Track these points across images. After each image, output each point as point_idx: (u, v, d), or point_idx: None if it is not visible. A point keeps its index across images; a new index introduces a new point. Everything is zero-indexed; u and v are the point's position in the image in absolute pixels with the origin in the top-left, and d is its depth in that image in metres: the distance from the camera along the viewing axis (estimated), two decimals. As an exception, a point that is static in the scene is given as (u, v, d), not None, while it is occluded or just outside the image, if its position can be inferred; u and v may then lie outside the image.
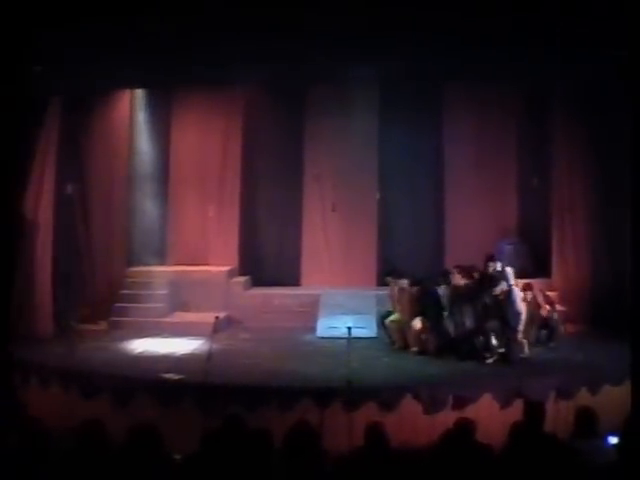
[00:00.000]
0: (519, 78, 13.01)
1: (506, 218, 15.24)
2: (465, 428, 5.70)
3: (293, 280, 15.52)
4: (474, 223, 14.88)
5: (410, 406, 9.68)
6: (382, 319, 12.46)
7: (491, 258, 11.66)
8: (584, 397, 9.83)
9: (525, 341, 11.45)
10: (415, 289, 11.98)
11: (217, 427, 5.71)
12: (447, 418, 8.63)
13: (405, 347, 11.98)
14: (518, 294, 11.32)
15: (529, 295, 12.11)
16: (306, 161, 15.67)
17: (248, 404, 9.29)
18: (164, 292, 14.48)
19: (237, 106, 15.29)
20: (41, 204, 13.25)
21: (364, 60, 11.60)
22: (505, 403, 9.70)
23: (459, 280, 11.52)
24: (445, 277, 11.88)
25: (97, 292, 14.53)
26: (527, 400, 7.29)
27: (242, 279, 15.08)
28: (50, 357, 11.54)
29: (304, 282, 15.58)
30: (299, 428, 5.35)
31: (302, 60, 11.66)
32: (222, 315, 12.73)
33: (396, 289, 12.27)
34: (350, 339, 9.79)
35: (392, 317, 12.25)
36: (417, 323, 11.73)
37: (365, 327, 12.58)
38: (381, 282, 13.84)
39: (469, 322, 11.30)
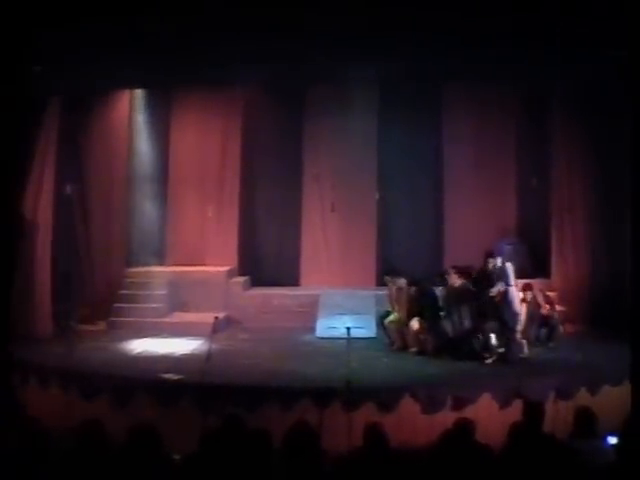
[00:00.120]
0: (519, 78, 13.01)
1: (505, 218, 15.25)
2: (464, 428, 5.70)
3: (292, 280, 15.52)
4: (473, 223, 14.88)
5: (409, 406, 9.68)
6: (381, 319, 12.47)
7: (491, 254, 11.56)
8: (583, 397, 9.82)
9: (525, 341, 11.46)
10: (413, 289, 11.98)
11: (216, 427, 5.71)
12: (446, 418, 8.61)
13: (404, 347, 11.99)
14: (515, 294, 11.28)
15: (529, 295, 12.12)
16: (305, 161, 15.68)
17: (247, 404, 9.29)
18: (163, 292, 14.48)
19: (236, 106, 15.29)
20: (40, 204, 13.25)
21: (364, 60, 11.58)
22: (504, 403, 9.69)
23: (456, 280, 11.51)
24: (442, 278, 11.89)
25: (96, 292, 14.54)
26: (526, 400, 7.29)
27: (241, 279, 15.08)
28: (49, 357, 11.54)
29: (303, 282, 15.59)
30: (298, 428, 5.35)
31: (302, 60, 11.65)
32: (221, 315, 12.73)
33: (394, 288, 12.28)
34: (349, 339, 9.80)
35: (391, 317, 12.25)
36: (414, 324, 11.73)
37: (364, 327, 12.59)
38: (380, 282, 13.85)
39: (467, 322, 11.31)
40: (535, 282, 12.81)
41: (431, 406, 9.66)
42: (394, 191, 15.36)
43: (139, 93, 15.02)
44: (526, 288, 12.17)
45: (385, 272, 13.02)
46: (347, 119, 15.12)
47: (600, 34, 9.81)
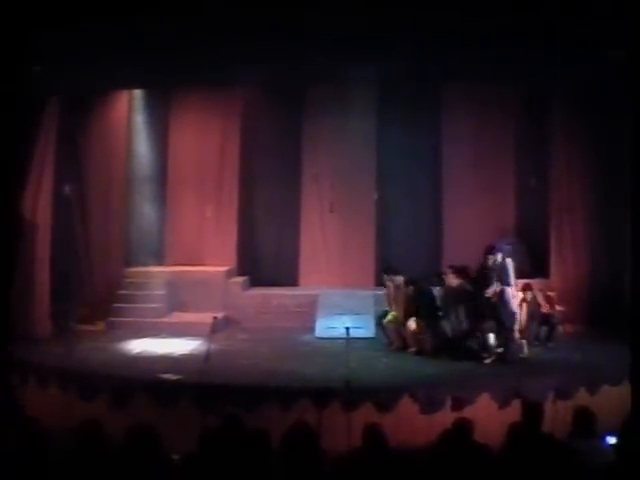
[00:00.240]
0: (519, 78, 12.99)
1: (504, 218, 15.24)
2: (463, 428, 5.70)
3: (291, 280, 15.52)
4: (472, 223, 14.86)
5: (408, 406, 9.68)
6: (380, 319, 12.46)
7: (491, 250, 11.31)
8: (583, 397, 9.81)
9: (524, 341, 11.46)
10: (410, 288, 11.98)
11: (215, 427, 5.72)
12: (445, 418, 8.61)
13: (403, 347, 11.99)
14: (512, 294, 11.24)
15: (529, 295, 12.12)
16: (304, 161, 15.67)
17: (246, 404, 9.29)
18: (162, 292, 14.47)
19: (235, 106, 15.27)
20: (40, 204, 13.24)
21: (364, 60, 11.57)
22: (503, 403, 9.69)
23: (453, 280, 11.50)
24: (439, 278, 11.88)
25: (95, 292, 14.52)
26: (525, 400, 7.30)
27: (240, 279, 15.08)
28: (48, 357, 11.53)
29: (302, 282, 15.58)
30: (297, 428, 5.35)
31: (302, 60, 11.64)
32: (220, 315, 12.73)
33: (392, 287, 12.28)
34: (348, 339, 9.80)
35: (389, 316, 12.24)
36: (412, 324, 11.73)
37: (363, 327, 12.55)
38: (379, 282, 13.84)
39: (465, 322, 11.30)
40: (534, 282, 12.79)
41: (430, 406, 9.66)
42: (393, 191, 15.35)
43: (138, 93, 15.00)
44: (526, 288, 12.16)
45: (383, 270, 13.02)
46: (346, 119, 15.11)
47: (600, 34, 9.81)
